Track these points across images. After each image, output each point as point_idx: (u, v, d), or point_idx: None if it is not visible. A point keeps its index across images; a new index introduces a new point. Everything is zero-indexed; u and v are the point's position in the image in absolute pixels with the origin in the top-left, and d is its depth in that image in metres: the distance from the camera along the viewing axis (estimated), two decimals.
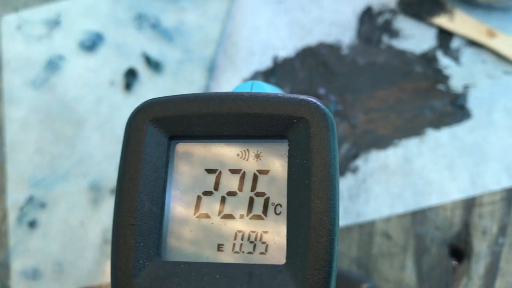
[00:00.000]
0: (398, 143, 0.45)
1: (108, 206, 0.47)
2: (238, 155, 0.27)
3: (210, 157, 0.27)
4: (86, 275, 0.46)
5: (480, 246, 0.43)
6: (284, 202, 0.26)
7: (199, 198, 0.27)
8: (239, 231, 0.26)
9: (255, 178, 0.27)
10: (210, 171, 0.27)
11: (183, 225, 0.27)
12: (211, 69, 0.49)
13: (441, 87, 0.46)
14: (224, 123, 0.26)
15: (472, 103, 0.45)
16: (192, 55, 0.50)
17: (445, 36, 0.47)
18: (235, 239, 0.26)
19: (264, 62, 0.49)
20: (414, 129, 0.45)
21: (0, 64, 0.52)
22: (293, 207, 0.25)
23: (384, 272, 0.43)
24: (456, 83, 0.46)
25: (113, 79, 0.50)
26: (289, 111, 0.26)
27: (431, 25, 0.47)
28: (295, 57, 0.49)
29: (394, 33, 0.48)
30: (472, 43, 0.47)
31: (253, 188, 0.27)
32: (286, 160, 0.26)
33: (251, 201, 0.27)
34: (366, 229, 0.44)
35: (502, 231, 0.43)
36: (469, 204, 0.43)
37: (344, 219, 0.44)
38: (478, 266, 0.42)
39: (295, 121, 0.26)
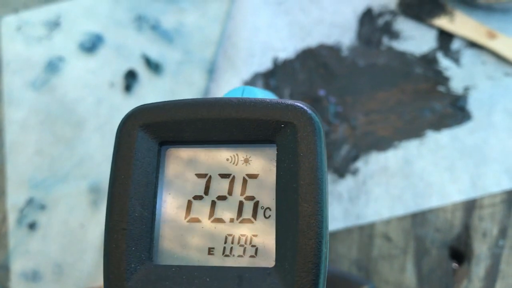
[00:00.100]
0: (398, 145, 0.45)
1: None
2: (227, 159, 0.27)
3: (200, 162, 0.28)
4: (85, 277, 0.46)
5: (481, 248, 0.43)
6: (273, 205, 0.26)
7: (189, 202, 0.27)
8: (229, 235, 0.27)
9: (244, 182, 0.27)
10: (200, 175, 0.27)
11: (174, 229, 0.27)
12: (211, 71, 0.49)
13: (441, 88, 0.46)
14: (213, 129, 0.27)
15: (473, 104, 0.45)
16: (192, 56, 0.50)
17: (445, 37, 0.47)
18: (225, 242, 0.27)
19: (264, 64, 0.49)
20: (414, 131, 0.45)
21: (0, 65, 0.52)
22: (282, 211, 0.25)
23: (384, 274, 0.43)
24: (456, 85, 0.46)
25: (113, 81, 0.50)
26: (277, 116, 0.26)
27: (431, 26, 0.47)
28: (295, 58, 0.49)
29: (394, 35, 0.48)
30: (473, 45, 0.47)
31: (243, 192, 0.27)
32: (275, 164, 0.27)
33: (240, 205, 0.27)
34: (366, 231, 0.44)
35: (503, 233, 0.43)
36: (470, 206, 0.43)
37: (344, 221, 0.44)
38: (479, 268, 0.42)
39: (282, 125, 0.26)
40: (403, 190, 0.44)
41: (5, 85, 0.52)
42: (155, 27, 0.51)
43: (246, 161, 0.27)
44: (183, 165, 0.28)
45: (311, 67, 0.48)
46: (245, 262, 0.26)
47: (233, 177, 0.27)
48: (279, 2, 0.50)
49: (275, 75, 0.48)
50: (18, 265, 0.48)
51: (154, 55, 0.50)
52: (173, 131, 0.27)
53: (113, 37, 0.51)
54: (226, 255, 0.26)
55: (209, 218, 0.27)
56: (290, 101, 0.26)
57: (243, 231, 0.27)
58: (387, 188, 0.44)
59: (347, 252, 0.44)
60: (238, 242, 0.27)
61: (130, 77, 0.50)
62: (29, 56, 0.52)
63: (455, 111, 0.45)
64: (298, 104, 0.26)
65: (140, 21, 0.51)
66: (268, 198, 0.27)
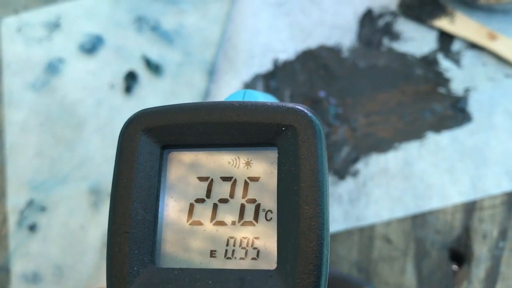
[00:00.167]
0: (398, 146, 0.45)
1: (108, 209, 0.47)
2: (229, 162, 0.28)
3: (202, 165, 0.28)
4: (85, 278, 0.46)
5: (481, 250, 0.43)
6: (274, 208, 0.27)
7: (191, 205, 0.28)
8: (231, 237, 0.27)
9: (246, 185, 0.27)
10: (202, 179, 0.28)
11: (176, 232, 0.27)
12: (211, 72, 0.49)
13: (441, 90, 0.46)
14: (215, 132, 0.27)
15: (473, 106, 0.45)
16: (192, 57, 0.50)
17: (445, 38, 0.47)
18: (227, 245, 0.27)
19: (265, 65, 0.49)
20: (414, 132, 0.45)
21: (0, 66, 0.52)
22: (283, 213, 0.26)
23: (384, 276, 0.43)
24: (456, 86, 0.46)
25: (113, 82, 0.50)
26: (278, 119, 0.26)
27: (432, 27, 0.47)
28: (295, 60, 0.49)
29: (395, 36, 0.48)
30: (473, 46, 0.46)
31: (244, 195, 0.27)
32: (276, 167, 0.27)
33: (242, 208, 0.27)
34: (367, 233, 0.44)
35: (503, 235, 0.43)
36: (470, 208, 0.43)
37: (344, 223, 0.44)
38: (479, 270, 0.42)
39: (283, 129, 0.26)
40: (403, 191, 0.44)
41: (5, 86, 0.52)
42: (155, 28, 0.51)
43: (248, 164, 0.27)
44: (185, 169, 0.28)
45: (311, 68, 0.48)
46: (247, 264, 0.26)
47: (235, 180, 0.27)
48: (280, 4, 0.50)
49: (276, 76, 0.48)
50: (18, 267, 0.48)
51: (154, 57, 0.50)
52: (175, 135, 0.27)
53: (113, 38, 0.51)
54: (228, 258, 0.27)
55: (211, 221, 0.27)
56: (291, 105, 0.27)
57: (244, 233, 0.27)
58: (387, 189, 0.44)
59: (347, 254, 0.44)
60: (240, 245, 0.27)
61: (130, 79, 0.50)
62: (29, 57, 0.52)
63: (455, 112, 0.45)
64: (299, 107, 0.26)
65: (140, 22, 0.51)
66: (269, 201, 0.27)
